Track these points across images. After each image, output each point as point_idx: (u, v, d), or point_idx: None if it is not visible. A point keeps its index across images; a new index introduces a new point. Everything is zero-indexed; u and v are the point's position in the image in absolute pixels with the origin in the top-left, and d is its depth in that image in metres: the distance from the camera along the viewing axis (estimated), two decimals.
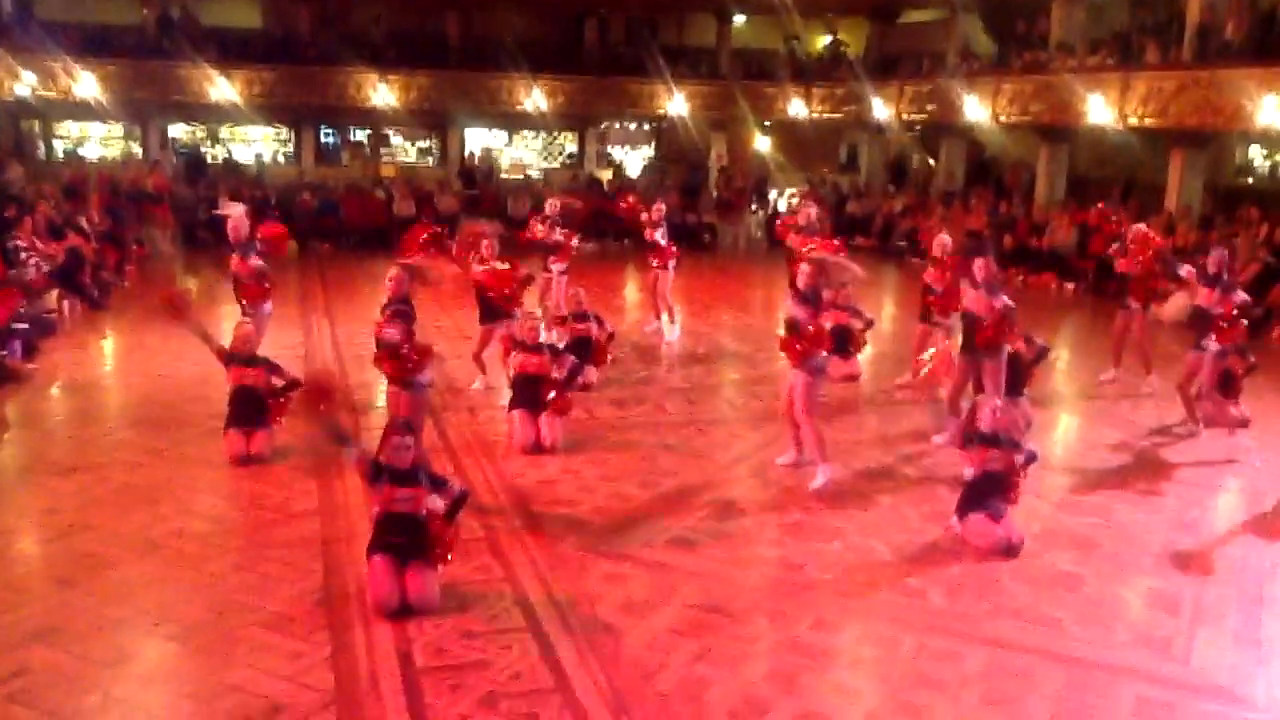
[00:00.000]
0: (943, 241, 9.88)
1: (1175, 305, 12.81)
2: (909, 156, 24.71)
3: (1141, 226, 10.78)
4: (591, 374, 10.00)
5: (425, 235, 8.79)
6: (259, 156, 24.04)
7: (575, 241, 12.01)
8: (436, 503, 5.72)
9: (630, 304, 15.13)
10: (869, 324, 10.64)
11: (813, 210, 11.86)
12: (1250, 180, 19.47)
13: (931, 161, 24.50)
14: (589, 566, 6.22)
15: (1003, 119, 19.59)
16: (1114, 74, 16.92)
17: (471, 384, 9.86)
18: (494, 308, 9.46)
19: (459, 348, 10.85)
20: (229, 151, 24.15)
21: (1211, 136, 16.36)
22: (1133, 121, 16.51)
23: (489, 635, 5.36)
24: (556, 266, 11.65)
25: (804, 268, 7.52)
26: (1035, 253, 17.74)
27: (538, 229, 11.67)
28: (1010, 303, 8.07)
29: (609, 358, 10.45)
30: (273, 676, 4.94)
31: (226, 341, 8.29)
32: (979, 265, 8.06)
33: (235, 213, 9.94)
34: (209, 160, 23.42)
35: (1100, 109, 16.75)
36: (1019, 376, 8.37)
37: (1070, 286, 16.83)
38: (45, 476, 7.57)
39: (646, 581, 6.04)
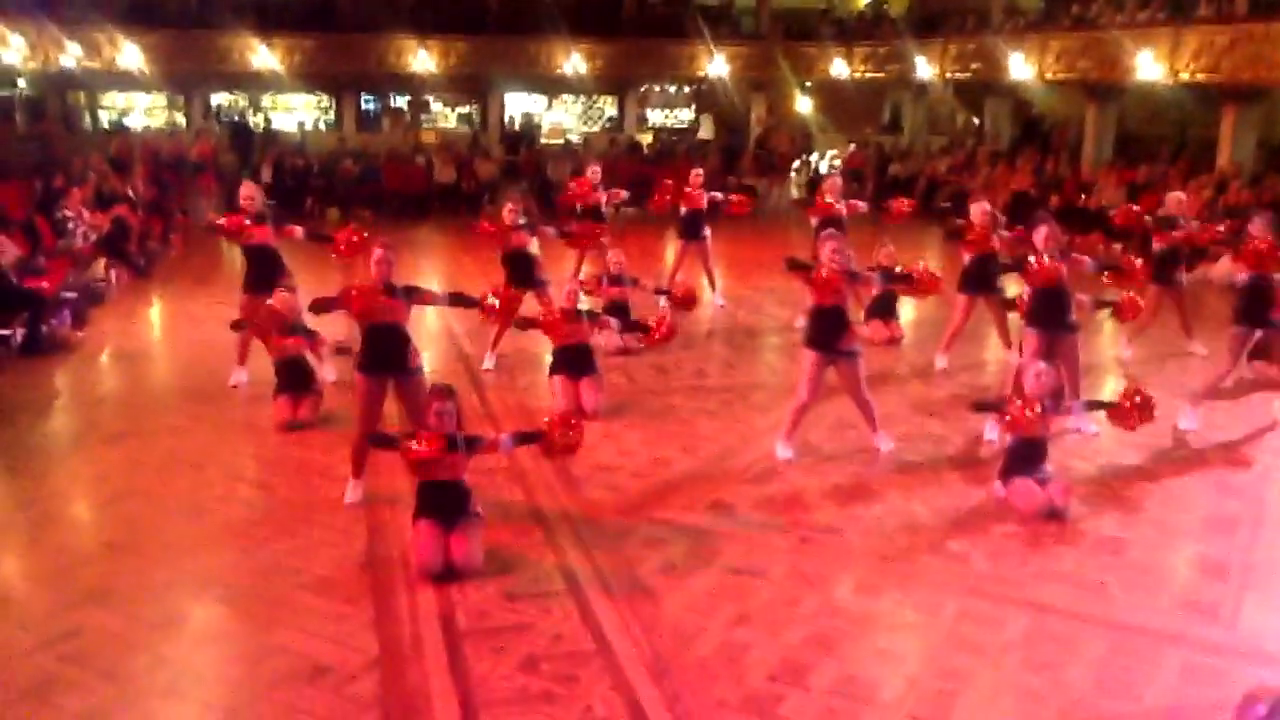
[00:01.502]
0: (983, 209, 9.53)
1: (1224, 267, 12.56)
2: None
3: (1179, 195, 10.49)
4: (630, 338, 9.97)
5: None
6: (301, 124, 24.15)
7: (620, 199, 11.98)
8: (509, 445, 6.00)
9: (669, 270, 15.03)
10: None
11: (838, 182, 11.62)
12: None
13: (976, 120, 24.13)
14: (629, 530, 6.24)
15: (1049, 76, 19.21)
16: (1164, 28, 16.52)
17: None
18: (524, 274, 9.41)
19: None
20: (269, 121, 24.27)
21: (1265, 92, 15.94)
22: (1184, 77, 16.13)
23: (530, 599, 5.41)
24: (605, 239, 11.49)
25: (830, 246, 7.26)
26: (1082, 212, 17.44)
27: (590, 196, 11.57)
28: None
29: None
30: (317, 639, 5.01)
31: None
32: (1043, 234, 7.69)
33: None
34: (252, 128, 23.59)
35: (1150, 65, 16.37)
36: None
37: (1118, 247, 16.54)
38: (94, 443, 7.72)
39: (686, 545, 6.05)
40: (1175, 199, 10.25)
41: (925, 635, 5.17)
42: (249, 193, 8.90)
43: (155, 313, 12.18)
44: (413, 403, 6.50)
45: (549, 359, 8.71)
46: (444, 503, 5.67)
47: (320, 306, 6.63)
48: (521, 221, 9.57)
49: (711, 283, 12.35)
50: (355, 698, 4.57)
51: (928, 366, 9.78)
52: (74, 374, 9.53)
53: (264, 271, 8.72)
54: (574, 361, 8.39)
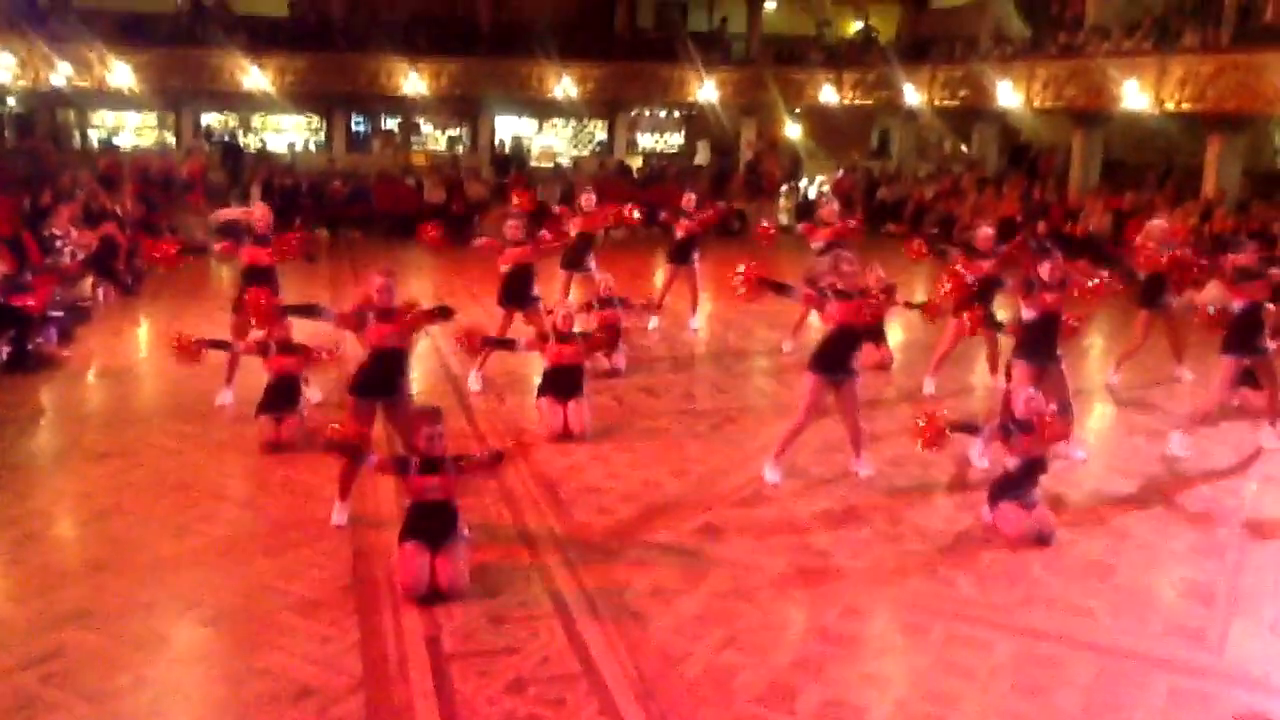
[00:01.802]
0: (987, 234, 9.57)
1: (1211, 293, 12.59)
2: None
3: (1161, 223, 10.55)
4: (620, 360, 10.01)
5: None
6: (291, 145, 24.18)
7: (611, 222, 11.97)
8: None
9: (658, 293, 15.04)
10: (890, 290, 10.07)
11: (835, 205, 11.85)
12: None
13: (964, 147, 24.29)
14: (617, 553, 6.22)
15: (1036, 104, 19.36)
16: (1150, 57, 16.68)
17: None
18: (521, 290, 9.42)
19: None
20: (263, 141, 24.28)
21: (1250, 121, 16.10)
22: (1169, 106, 16.28)
23: (517, 621, 5.38)
24: (593, 264, 11.49)
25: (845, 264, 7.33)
26: (1069, 239, 17.54)
27: (573, 223, 11.55)
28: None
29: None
30: (302, 660, 4.97)
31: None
32: (1048, 268, 7.65)
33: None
34: (243, 148, 23.60)
35: (1136, 93, 16.52)
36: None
37: (1105, 273, 16.59)
38: (79, 461, 7.66)
39: (674, 568, 6.03)
40: (1159, 227, 10.28)
41: (913, 659, 5.16)
42: (261, 214, 9.12)
43: (142, 331, 12.12)
44: (403, 423, 6.49)
45: (537, 380, 8.70)
46: (432, 523, 5.65)
47: (302, 312, 6.68)
48: (524, 235, 9.61)
49: (694, 307, 12.34)
50: None
51: (916, 390, 9.79)
52: (60, 391, 9.48)
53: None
54: (563, 383, 8.37)
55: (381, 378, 6.60)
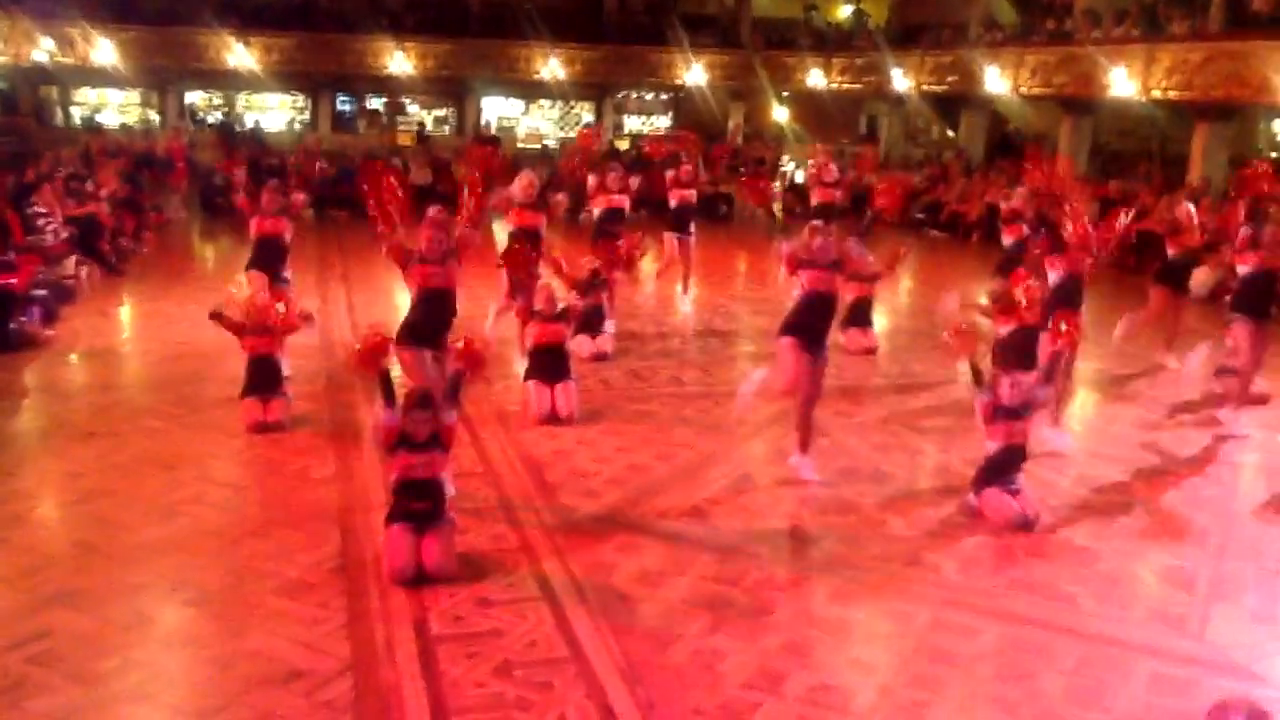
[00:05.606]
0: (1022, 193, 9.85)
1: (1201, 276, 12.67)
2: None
3: (1189, 208, 10.56)
4: (607, 344, 10.00)
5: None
6: (257, 122, 23.91)
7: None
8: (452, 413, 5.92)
9: (646, 273, 15.04)
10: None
11: (833, 167, 12.31)
12: (1275, 154, 19.25)
13: (951, 133, 24.31)
14: (604, 537, 6.23)
15: (1025, 90, 19.39)
16: (1139, 45, 16.72)
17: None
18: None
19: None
20: (259, 123, 24.06)
21: (1237, 109, 16.16)
22: (1157, 94, 16.32)
23: (504, 604, 5.39)
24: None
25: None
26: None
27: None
28: None
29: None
30: (290, 642, 4.97)
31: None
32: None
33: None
34: (237, 129, 23.43)
35: (1124, 81, 16.56)
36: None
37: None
38: (65, 442, 7.62)
39: (661, 553, 6.05)
40: (1186, 211, 10.23)
41: (898, 645, 5.20)
42: (271, 189, 9.58)
43: (126, 311, 12.05)
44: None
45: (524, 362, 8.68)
46: (419, 505, 5.65)
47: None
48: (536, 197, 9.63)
49: (686, 281, 12.34)
50: (328, 703, 4.54)
51: (902, 375, 9.82)
52: (44, 372, 9.42)
53: (269, 257, 9.49)
54: (549, 366, 8.37)
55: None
